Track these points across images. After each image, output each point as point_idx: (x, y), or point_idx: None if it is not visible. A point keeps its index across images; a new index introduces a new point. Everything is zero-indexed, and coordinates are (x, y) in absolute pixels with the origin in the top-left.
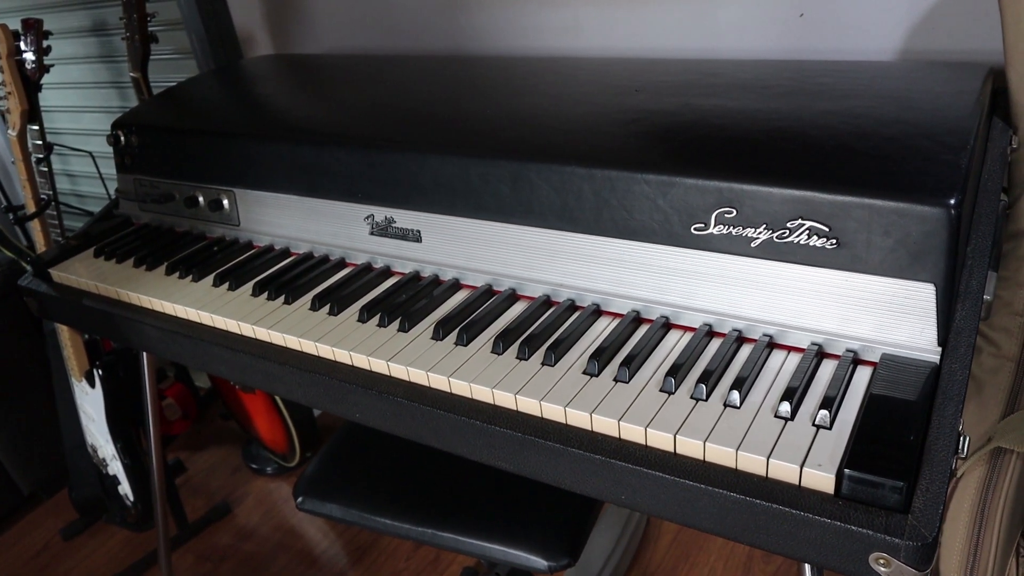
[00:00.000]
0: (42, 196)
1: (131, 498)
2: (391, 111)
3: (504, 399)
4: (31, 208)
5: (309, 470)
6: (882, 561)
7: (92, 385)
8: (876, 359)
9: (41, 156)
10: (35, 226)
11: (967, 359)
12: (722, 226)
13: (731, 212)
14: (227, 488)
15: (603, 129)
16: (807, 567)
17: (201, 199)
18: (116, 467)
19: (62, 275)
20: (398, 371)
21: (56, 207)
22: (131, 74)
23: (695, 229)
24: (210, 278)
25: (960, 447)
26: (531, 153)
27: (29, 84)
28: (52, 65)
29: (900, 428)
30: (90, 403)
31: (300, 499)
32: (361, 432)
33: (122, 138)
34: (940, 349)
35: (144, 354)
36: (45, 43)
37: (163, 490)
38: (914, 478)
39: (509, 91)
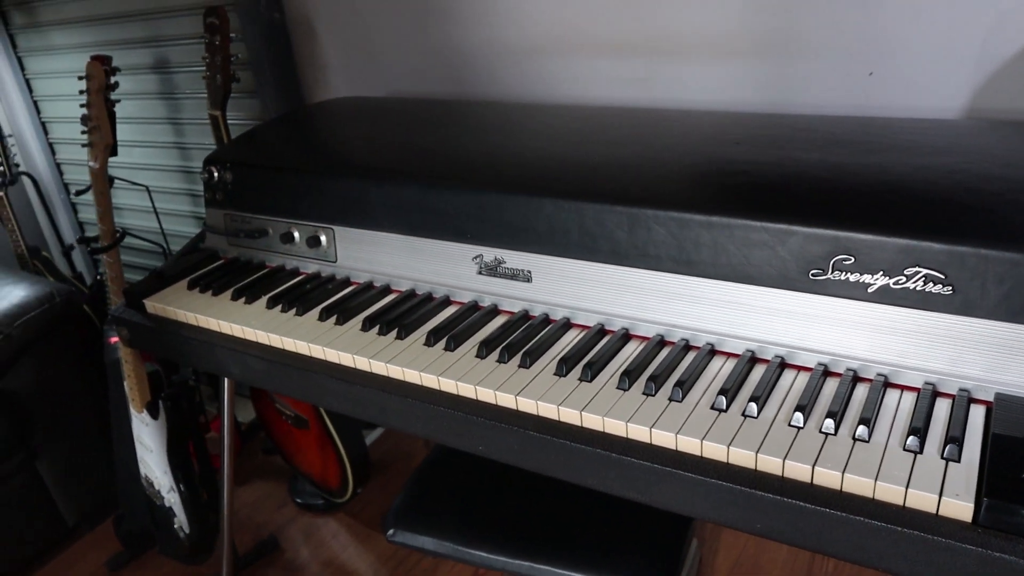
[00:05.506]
0: (116, 230)
1: (186, 530)
2: (494, 154)
3: (638, 432)
4: (105, 240)
5: (398, 503)
6: None
7: (155, 416)
8: (989, 398)
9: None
10: (107, 258)
11: None
12: (839, 272)
13: (849, 259)
14: (273, 523)
15: (715, 179)
16: None
17: (297, 235)
18: (172, 499)
19: (157, 306)
20: (527, 405)
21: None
22: (210, 112)
23: (812, 274)
24: (315, 312)
25: None
26: (650, 200)
27: (114, 119)
28: (119, 101)
29: None
30: (148, 434)
31: (391, 531)
32: (445, 462)
33: (215, 174)
34: None
35: (226, 383)
36: (113, 79)
37: (231, 519)
38: None
39: (608, 139)
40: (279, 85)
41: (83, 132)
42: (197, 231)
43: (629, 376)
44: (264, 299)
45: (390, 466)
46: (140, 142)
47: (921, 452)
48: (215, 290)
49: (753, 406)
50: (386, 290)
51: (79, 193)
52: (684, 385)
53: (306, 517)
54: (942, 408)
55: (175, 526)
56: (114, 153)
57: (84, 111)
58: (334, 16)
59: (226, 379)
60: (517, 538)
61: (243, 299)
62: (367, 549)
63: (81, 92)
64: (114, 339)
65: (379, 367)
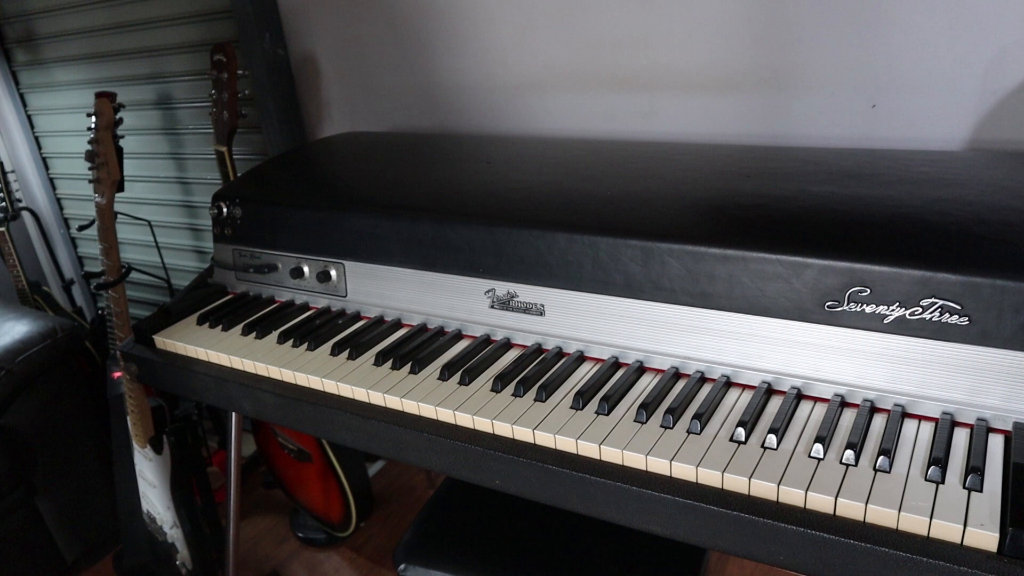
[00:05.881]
0: (122, 265)
1: (188, 566)
2: (507, 189)
3: (658, 465)
4: (111, 276)
5: (408, 536)
6: None
7: (158, 451)
8: (1007, 427)
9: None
10: (112, 294)
11: None
12: (855, 304)
13: (865, 291)
14: (275, 558)
15: (728, 212)
16: None
17: (307, 270)
18: (175, 534)
19: (167, 341)
20: (544, 439)
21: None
22: (215, 147)
23: (828, 306)
24: (327, 347)
25: None
26: (664, 234)
27: (121, 155)
28: (123, 136)
29: None
30: (151, 469)
31: (402, 566)
32: (455, 496)
33: (224, 209)
34: None
35: (233, 417)
36: (118, 116)
37: (236, 553)
38: None
39: (618, 172)
40: (283, 121)
41: (90, 168)
42: (199, 265)
43: (646, 409)
44: (275, 334)
45: (392, 499)
46: (142, 177)
47: (943, 482)
48: (225, 325)
49: (772, 438)
50: (397, 324)
51: (82, 228)
52: (702, 417)
53: (308, 552)
54: (961, 438)
55: (177, 562)
56: (120, 189)
57: (89, 147)
58: (336, 53)
59: (233, 414)
60: (530, 571)
61: (254, 334)
62: None
63: (89, 128)
64: (117, 374)
65: (394, 402)
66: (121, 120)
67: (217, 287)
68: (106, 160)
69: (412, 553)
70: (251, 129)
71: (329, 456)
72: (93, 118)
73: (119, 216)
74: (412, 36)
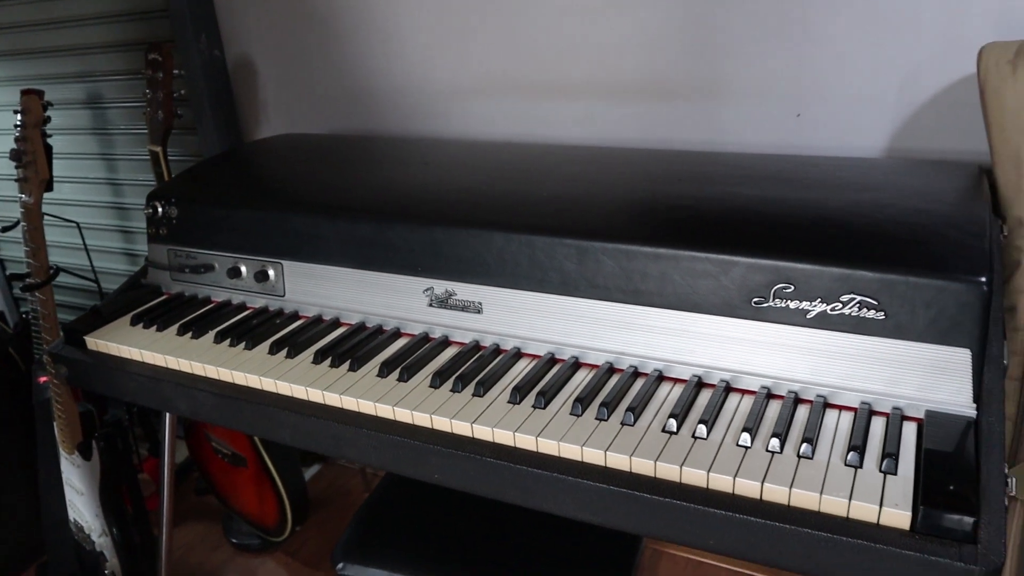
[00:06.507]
0: (50, 267)
1: (118, 575)
2: (445, 190)
3: (593, 456)
4: (39, 277)
5: (347, 535)
6: None
7: (87, 457)
8: (920, 415)
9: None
10: (40, 296)
11: (1000, 413)
12: (780, 300)
13: (789, 288)
14: (209, 566)
15: (661, 213)
16: None
17: (244, 270)
18: (104, 543)
19: (99, 342)
20: (483, 433)
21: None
22: (149, 147)
23: (754, 302)
24: (265, 345)
25: (1009, 486)
26: (598, 233)
27: (50, 154)
28: (50, 135)
29: (958, 472)
30: (79, 476)
31: (340, 565)
32: (394, 493)
33: (159, 209)
34: (975, 405)
35: (166, 419)
36: (46, 113)
37: (169, 559)
38: (977, 513)
39: (555, 175)
40: (218, 122)
41: (16, 167)
42: (130, 268)
43: (582, 402)
44: (212, 334)
45: (328, 503)
46: (69, 178)
47: (861, 467)
48: (160, 325)
49: (703, 428)
50: (336, 323)
51: (5, 229)
52: (635, 410)
53: (243, 557)
54: (878, 426)
55: (106, 571)
56: (49, 188)
57: (15, 146)
58: (273, 55)
59: (167, 416)
60: (469, 566)
61: (189, 334)
62: None
63: (16, 126)
64: (43, 378)
65: (333, 399)
66: (49, 118)
67: (151, 288)
68: (34, 159)
69: (351, 551)
70: (186, 130)
71: (264, 460)
72: (19, 116)
73: (46, 218)
74: (350, 39)
